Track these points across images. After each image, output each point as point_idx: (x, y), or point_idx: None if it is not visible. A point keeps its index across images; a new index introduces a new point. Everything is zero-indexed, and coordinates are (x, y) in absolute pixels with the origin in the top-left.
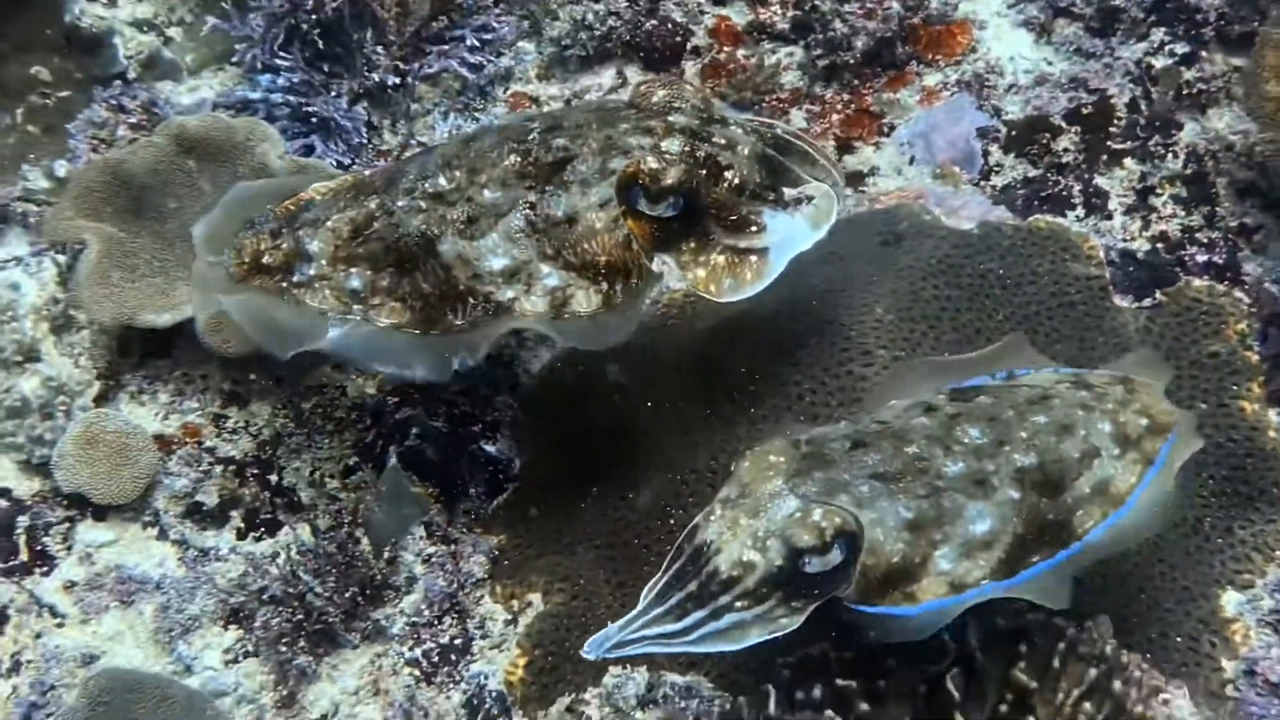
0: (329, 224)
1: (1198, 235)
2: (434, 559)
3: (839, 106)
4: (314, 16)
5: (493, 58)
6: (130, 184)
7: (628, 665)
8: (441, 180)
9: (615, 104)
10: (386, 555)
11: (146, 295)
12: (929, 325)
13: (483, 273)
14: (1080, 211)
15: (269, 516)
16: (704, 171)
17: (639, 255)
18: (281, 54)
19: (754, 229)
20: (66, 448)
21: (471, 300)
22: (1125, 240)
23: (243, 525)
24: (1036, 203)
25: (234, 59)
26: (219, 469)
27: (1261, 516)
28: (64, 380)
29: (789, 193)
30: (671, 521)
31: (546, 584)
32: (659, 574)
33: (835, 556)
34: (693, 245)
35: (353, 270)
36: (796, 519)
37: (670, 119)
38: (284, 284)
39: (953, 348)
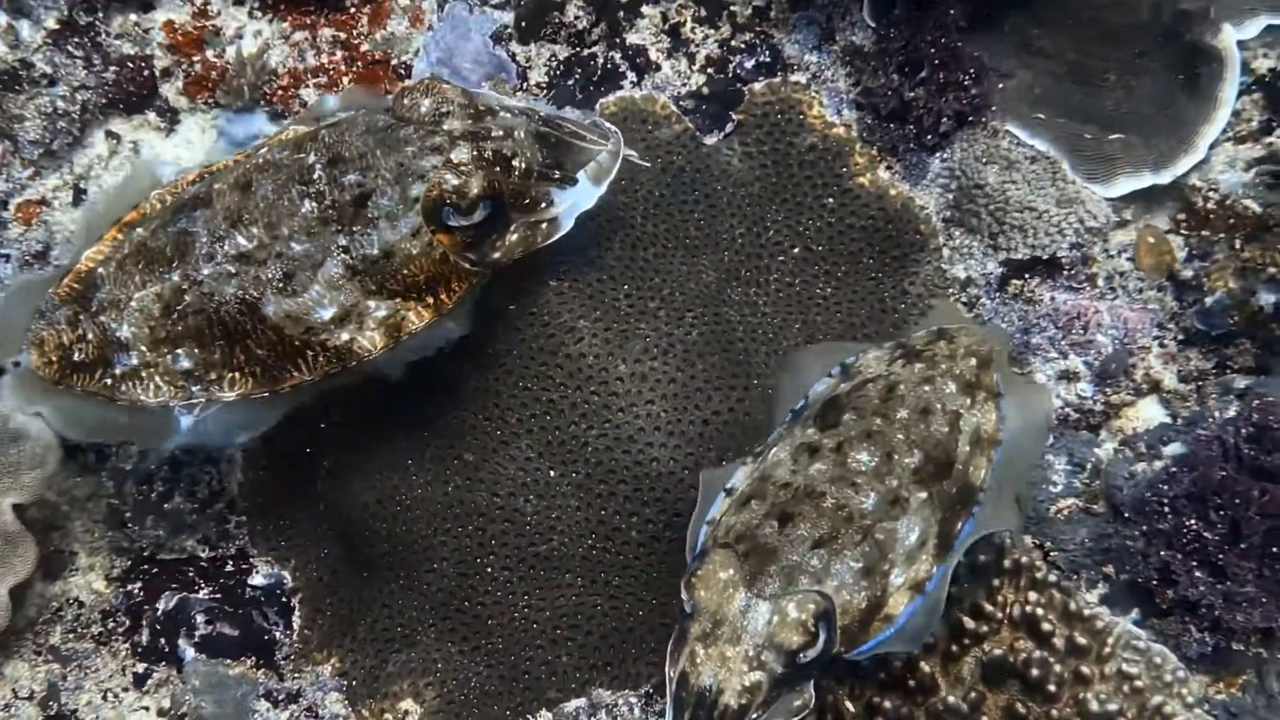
0: (134, 304)
1: (733, 43)
2: None
3: (342, 67)
4: None
5: None
6: None
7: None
8: (240, 240)
9: (386, 121)
10: None
11: None
12: (601, 274)
13: (315, 325)
14: (632, 76)
15: None
16: (497, 168)
17: (456, 263)
18: None
19: (545, 204)
20: None
21: (310, 353)
22: (683, 84)
23: None
24: (590, 88)
25: None
26: None
27: (918, 264)
28: None
29: (571, 163)
30: (489, 570)
31: (410, 686)
32: None
33: (821, 637)
34: (495, 236)
35: (179, 350)
36: (776, 624)
37: (447, 126)
38: (108, 381)
39: (627, 281)
